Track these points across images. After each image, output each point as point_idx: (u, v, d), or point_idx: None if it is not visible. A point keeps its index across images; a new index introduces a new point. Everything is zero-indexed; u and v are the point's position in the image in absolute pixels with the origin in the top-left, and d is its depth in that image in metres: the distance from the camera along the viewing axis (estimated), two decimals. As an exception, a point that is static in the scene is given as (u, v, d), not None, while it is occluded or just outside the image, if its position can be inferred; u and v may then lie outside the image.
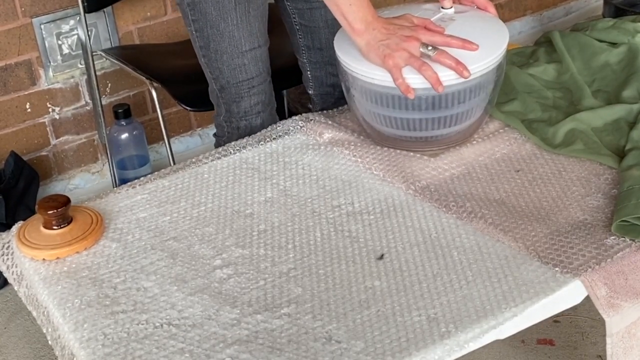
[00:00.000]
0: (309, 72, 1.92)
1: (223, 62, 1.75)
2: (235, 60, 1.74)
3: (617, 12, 2.86)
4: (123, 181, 2.43)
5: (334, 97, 1.89)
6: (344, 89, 1.53)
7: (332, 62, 1.80)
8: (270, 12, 1.83)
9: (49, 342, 1.26)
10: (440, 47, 1.41)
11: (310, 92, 1.95)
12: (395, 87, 1.41)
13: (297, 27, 1.86)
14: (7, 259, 1.36)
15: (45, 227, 1.34)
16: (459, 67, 1.38)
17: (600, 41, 1.75)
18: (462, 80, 1.40)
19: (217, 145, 1.87)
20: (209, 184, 1.47)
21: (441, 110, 1.44)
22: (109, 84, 2.56)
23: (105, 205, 1.43)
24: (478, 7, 1.55)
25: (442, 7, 1.52)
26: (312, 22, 1.83)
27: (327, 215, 1.38)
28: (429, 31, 1.44)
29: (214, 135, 1.89)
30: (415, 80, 1.40)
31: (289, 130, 1.60)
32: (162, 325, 1.18)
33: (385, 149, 1.51)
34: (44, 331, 1.27)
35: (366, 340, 1.13)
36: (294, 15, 1.86)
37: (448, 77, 1.40)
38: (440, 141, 1.50)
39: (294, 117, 1.62)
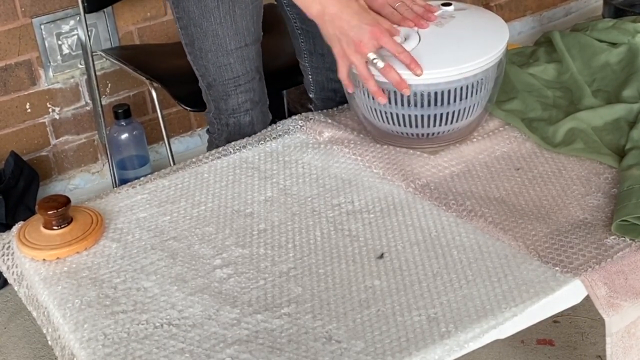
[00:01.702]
0: (310, 76, 1.91)
1: (208, 60, 1.74)
2: (221, 59, 1.73)
3: (617, 12, 2.86)
4: (123, 181, 2.43)
5: (334, 102, 1.89)
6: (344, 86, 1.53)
7: (334, 67, 1.79)
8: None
9: (49, 343, 1.26)
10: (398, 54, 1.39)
11: (311, 95, 1.95)
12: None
13: (299, 32, 1.86)
14: (7, 259, 1.36)
15: (46, 227, 1.34)
16: (402, 83, 1.38)
17: (600, 41, 1.75)
18: (462, 76, 1.40)
19: (210, 142, 1.88)
20: (208, 184, 1.47)
21: (441, 107, 1.44)
22: (109, 84, 2.56)
23: (105, 205, 1.43)
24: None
25: (442, 5, 1.52)
26: (313, 27, 1.82)
27: (327, 214, 1.38)
28: (384, 36, 1.39)
29: (207, 131, 1.89)
30: (414, 76, 1.40)
31: (288, 129, 1.60)
32: (162, 325, 1.18)
33: (385, 146, 1.52)
34: (44, 331, 1.27)
35: (366, 340, 1.13)
36: (294, 20, 1.85)
37: (448, 74, 1.40)
38: (440, 138, 1.50)
39: (293, 117, 1.62)
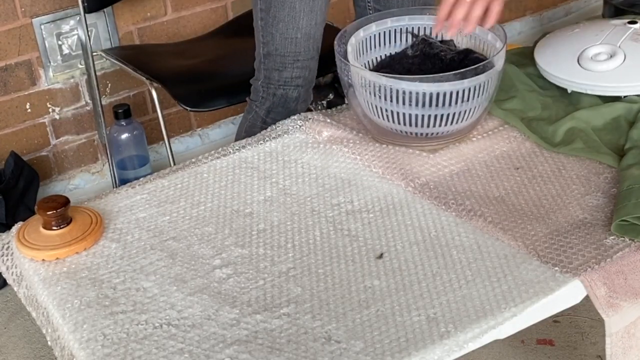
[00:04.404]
0: None
1: (277, 30, 1.78)
2: (290, 31, 1.76)
3: (616, 12, 2.86)
4: (123, 181, 2.42)
5: None
6: (343, 84, 1.54)
7: None
8: None
9: (49, 343, 1.26)
10: None
11: None
12: (398, 81, 1.41)
13: (370, 11, 1.90)
14: (7, 259, 1.36)
15: (45, 227, 1.33)
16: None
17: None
18: (466, 80, 1.40)
19: (249, 109, 1.90)
20: (208, 184, 1.47)
21: (443, 108, 1.44)
22: (109, 84, 2.56)
23: (104, 205, 1.43)
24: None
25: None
26: (386, 6, 1.86)
27: (326, 213, 1.38)
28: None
29: (248, 98, 1.91)
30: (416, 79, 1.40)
31: (288, 129, 1.60)
32: (161, 326, 1.18)
33: (384, 146, 1.52)
34: (44, 332, 1.27)
35: (365, 340, 1.13)
36: (369, 1, 1.88)
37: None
38: (440, 137, 1.50)
39: (292, 117, 1.62)
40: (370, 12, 1.90)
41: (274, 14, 1.77)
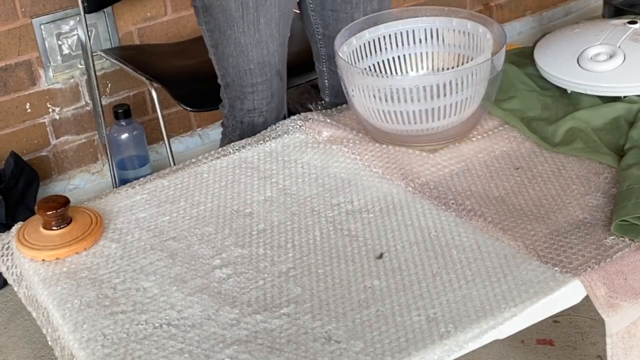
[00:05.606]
0: (326, 80, 1.94)
1: (229, 64, 1.77)
2: (241, 64, 1.76)
3: (617, 12, 2.86)
4: (123, 181, 2.42)
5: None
6: (343, 86, 1.53)
7: None
8: None
9: (49, 343, 1.26)
10: None
11: (326, 99, 1.97)
12: (391, 79, 1.41)
13: (320, 37, 1.88)
14: (7, 259, 1.36)
15: (45, 227, 1.34)
16: None
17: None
18: (457, 69, 1.40)
19: (224, 134, 1.90)
20: (208, 184, 1.47)
21: (437, 100, 1.43)
22: (109, 84, 2.56)
23: (104, 205, 1.43)
24: None
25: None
26: (335, 32, 1.83)
27: (326, 214, 1.38)
28: None
29: (221, 124, 1.92)
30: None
31: (288, 129, 1.60)
32: (161, 326, 1.18)
33: (384, 146, 1.52)
34: (44, 332, 1.27)
35: (365, 340, 1.13)
36: (316, 26, 1.87)
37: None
38: (439, 135, 1.50)
39: (292, 117, 1.62)
40: (319, 37, 1.88)
41: (222, 50, 1.76)
